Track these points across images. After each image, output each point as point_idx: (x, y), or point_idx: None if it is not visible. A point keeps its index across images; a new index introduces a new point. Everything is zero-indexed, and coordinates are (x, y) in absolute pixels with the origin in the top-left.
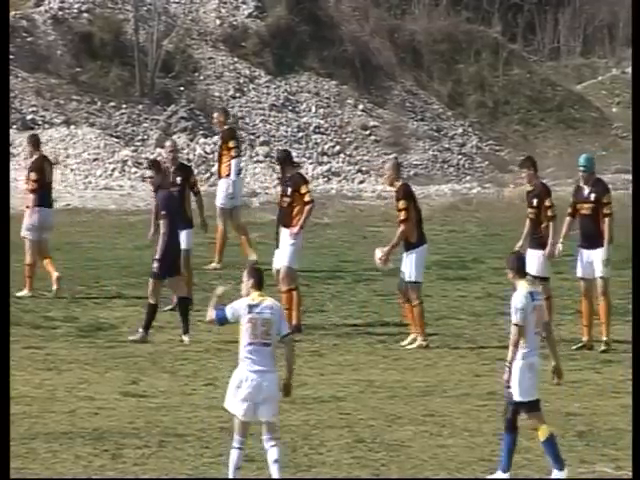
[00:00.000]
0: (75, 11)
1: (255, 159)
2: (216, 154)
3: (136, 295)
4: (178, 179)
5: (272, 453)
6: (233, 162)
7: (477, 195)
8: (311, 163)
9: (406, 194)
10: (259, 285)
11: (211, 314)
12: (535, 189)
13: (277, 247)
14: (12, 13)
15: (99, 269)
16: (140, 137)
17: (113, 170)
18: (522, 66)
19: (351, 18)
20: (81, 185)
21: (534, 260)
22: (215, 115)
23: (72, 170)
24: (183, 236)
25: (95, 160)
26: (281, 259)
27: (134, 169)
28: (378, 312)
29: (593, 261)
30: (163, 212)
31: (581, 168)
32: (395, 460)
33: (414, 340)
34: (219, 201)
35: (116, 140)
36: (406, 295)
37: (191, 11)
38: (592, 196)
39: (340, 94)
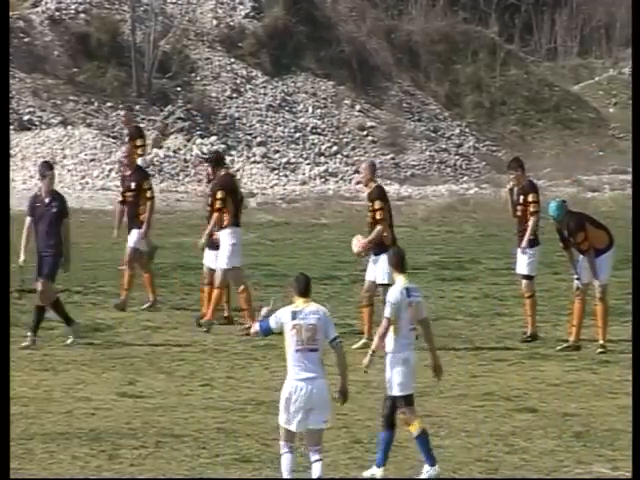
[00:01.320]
0: (72, 12)
1: (252, 160)
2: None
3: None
4: (132, 184)
5: (315, 469)
6: (139, 160)
7: (474, 196)
8: (308, 164)
9: (381, 195)
10: (303, 292)
11: (255, 326)
12: (523, 187)
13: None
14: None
15: (96, 270)
16: None
17: (110, 171)
18: (519, 66)
19: (348, 19)
20: (78, 185)
21: (522, 259)
22: (122, 114)
23: (69, 171)
24: (134, 236)
25: (92, 160)
26: (219, 260)
27: None
28: (375, 312)
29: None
30: (68, 213)
31: (551, 220)
32: (392, 460)
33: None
34: None
35: (113, 140)
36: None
37: (188, 12)
38: (571, 239)
39: (337, 94)
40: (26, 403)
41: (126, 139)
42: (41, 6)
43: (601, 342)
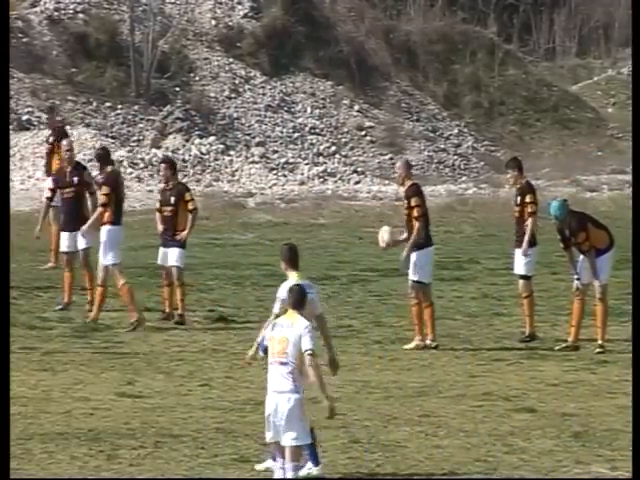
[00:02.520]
0: (71, 12)
1: (250, 160)
2: (212, 154)
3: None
4: (75, 179)
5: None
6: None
7: (473, 196)
8: (307, 164)
9: (417, 192)
10: (294, 304)
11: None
12: (520, 188)
13: None
14: None
15: (94, 270)
16: (136, 138)
17: None
18: (518, 67)
19: (347, 19)
20: None
21: (519, 260)
22: (47, 115)
23: None
24: (81, 237)
25: (90, 161)
26: (101, 257)
27: (130, 169)
28: (374, 313)
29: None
30: None
31: (553, 220)
32: (391, 460)
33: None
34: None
35: (112, 140)
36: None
37: (187, 12)
38: (572, 239)
39: (336, 95)
40: (25, 403)
41: (51, 139)
42: (40, 6)
43: (600, 342)
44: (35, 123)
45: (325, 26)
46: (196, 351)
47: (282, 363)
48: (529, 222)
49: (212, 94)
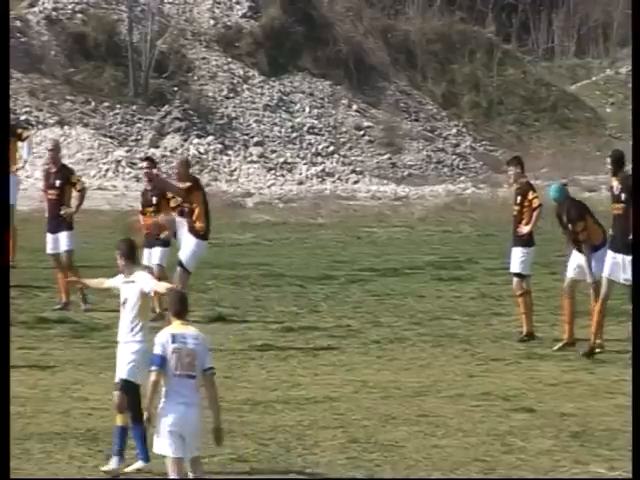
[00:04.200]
0: (69, 11)
1: (249, 159)
2: (210, 154)
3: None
4: (57, 182)
5: None
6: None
7: (471, 195)
8: (305, 163)
9: (196, 190)
10: (181, 313)
11: (151, 367)
12: (521, 187)
13: None
14: None
15: (93, 269)
16: (134, 137)
17: (107, 170)
18: (516, 66)
19: (345, 18)
20: None
21: (516, 258)
22: None
23: None
24: (64, 238)
25: (89, 160)
26: None
27: (128, 169)
28: (372, 312)
29: (582, 263)
30: None
31: (553, 200)
32: (389, 460)
33: None
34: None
35: (110, 140)
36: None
37: (185, 11)
38: (570, 225)
39: (334, 94)
40: (23, 403)
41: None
42: (38, 6)
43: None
44: (33, 123)
45: (323, 26)
46: None
47: (190, 376)
48: (535, 212)
49: (210, 94)
